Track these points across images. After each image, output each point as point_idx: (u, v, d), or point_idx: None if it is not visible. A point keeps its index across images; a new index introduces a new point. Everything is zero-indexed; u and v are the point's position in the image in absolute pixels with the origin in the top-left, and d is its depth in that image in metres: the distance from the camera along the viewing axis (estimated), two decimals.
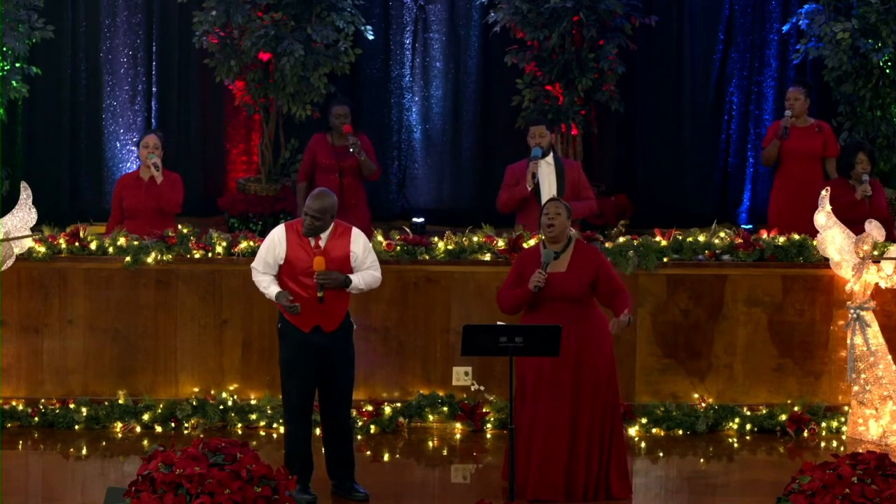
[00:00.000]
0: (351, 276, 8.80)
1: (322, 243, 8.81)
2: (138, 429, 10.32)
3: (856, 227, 10.44)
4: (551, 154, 11.23)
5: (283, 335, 8.91)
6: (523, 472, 8.91)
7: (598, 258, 9.02)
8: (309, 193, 9.00)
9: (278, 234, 8.88)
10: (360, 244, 8.90)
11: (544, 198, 11.10)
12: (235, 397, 10.48)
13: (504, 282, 9.17)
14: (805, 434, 10.44)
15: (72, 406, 10.37)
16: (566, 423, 8.85)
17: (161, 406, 10.38)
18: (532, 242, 10.46)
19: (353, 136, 11.77)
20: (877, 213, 10.95)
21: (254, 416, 10.43)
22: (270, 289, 8.85)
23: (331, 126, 12.02)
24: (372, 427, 10.38)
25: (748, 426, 10.49)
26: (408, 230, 10.94)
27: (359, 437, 10.17)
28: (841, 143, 12.40)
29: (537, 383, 8.90)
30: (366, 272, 8.89)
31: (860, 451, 7.82)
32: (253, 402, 10.48)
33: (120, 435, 10.27)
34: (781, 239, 10.64)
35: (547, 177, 11.16)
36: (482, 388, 10.56)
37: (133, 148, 13.65)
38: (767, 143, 12.10)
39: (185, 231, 10.57)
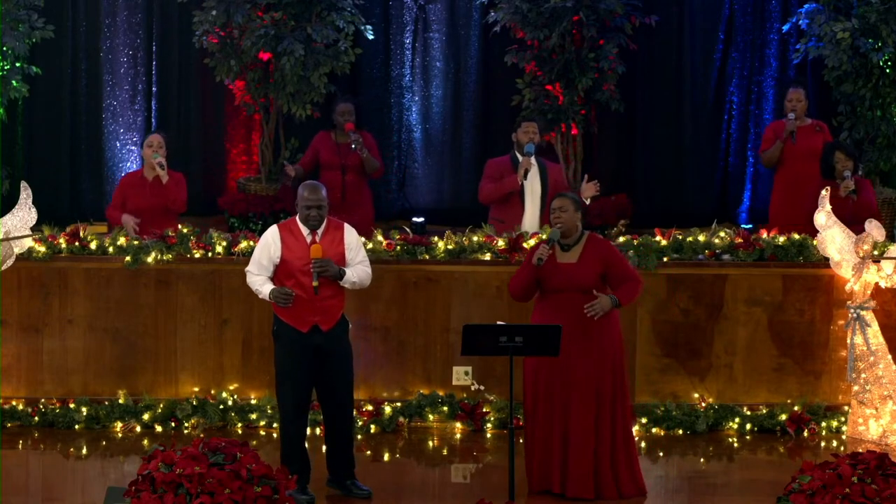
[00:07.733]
0: (345, 269, 8.83)
1: (318, 238, 8.82)
2: (138, 428, 10.32)
3: (848, 226, 10.43)
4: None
5: (279, 337, 8.87)
6: (546, 466, 8.93)
7: (609, 249, 9.03)
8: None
9: (272, 235, 8.87)
10: (353, 237, 8.96)
11: (527, 196, 11.10)
12: (235, 397, 10.48)
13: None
14: (805, 434, 10.44)
15: (72, 406, 10.37)
16: (574, 418, 8.86)
17: (161, 406, 10.39)
18: (532, 242, 10.48)
19: (354, 134, 11.79)
20: (865, 210, 10.90)
21: (254, 416, 10.43)
22: (264, 288, 8.83)
23: (335, 123, 12.05)
24: (372, 427, 10.38)
25: (748, 426, 10.49)
26: (408, 230, 10.94)
27: (359, 436, 10.17)
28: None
29: (549, 378, 8.89)
30: (357, 267, 8.91)
31: (860, 450, 7.81)
32: (253, 401, 10.49)
33: (120, 435, 10.27)
34: (781, 239, 10.64)
35: (532, 176, 11.17)
36: (482, 387, 10.56)
37: (133, 147, 13.65)
38: (768, 144, 12.06)
39: (185, 231, 10.57)
